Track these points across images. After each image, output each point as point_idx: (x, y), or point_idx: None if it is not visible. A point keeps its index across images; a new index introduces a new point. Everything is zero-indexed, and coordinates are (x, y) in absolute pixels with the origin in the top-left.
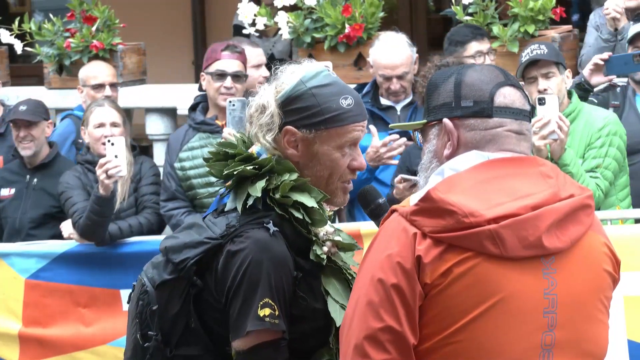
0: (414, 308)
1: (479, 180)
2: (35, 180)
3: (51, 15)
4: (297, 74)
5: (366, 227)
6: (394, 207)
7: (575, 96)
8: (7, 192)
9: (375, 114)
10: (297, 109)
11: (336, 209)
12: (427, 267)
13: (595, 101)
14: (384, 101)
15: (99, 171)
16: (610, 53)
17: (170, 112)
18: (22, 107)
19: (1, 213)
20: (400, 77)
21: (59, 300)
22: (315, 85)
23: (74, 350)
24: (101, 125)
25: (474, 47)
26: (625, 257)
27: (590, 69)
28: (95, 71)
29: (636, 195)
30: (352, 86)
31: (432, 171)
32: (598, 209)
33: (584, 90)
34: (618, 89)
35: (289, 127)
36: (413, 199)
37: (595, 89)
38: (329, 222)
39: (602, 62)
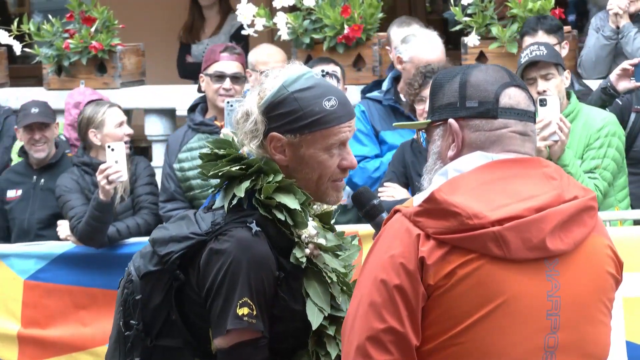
0: (416, 309)
1: (483, 181)
2: (42, 180)
3: (50, 16)
4: (279, 78)
5: (364, 229)
6: (397, 207)
7: (574, 97)
8: (13, 193)
9: (398, 110)
10: (280, 115)
11: (336, 206)
12: (430, 269)
13: (620, 103)
14: (405, 98)
15: (99, 177)
16: None
17: (169, 113)
18: (34, 110)
19: (9, 214)
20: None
21: (58, 301)
22: (297, 89)
23: (73, 351)
24: (121, 124)
25: (526, 41)
26: (624, 258)
27: (617, 74)
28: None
29: None
30: (354, 87)
31: (437, 172)
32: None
33: (609, 96)
34: None
35: (273, 133)
36: (417, 200)
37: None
38: (314, 224)
39: (630, 67)
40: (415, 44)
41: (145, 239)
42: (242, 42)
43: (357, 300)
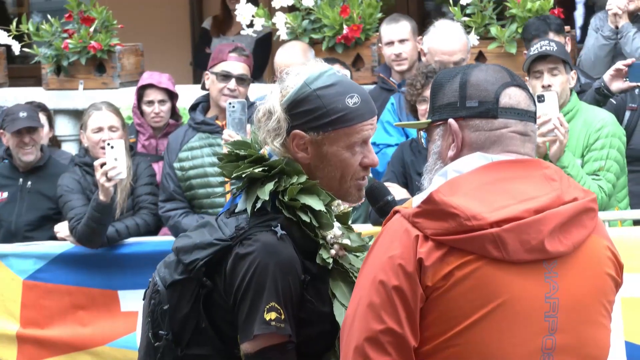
0: (415, 310)
1: (482, 182)
2: (29, 183)
3: (49, 16)
4: (302, 76)
5: (365, 229)
6: (396, 208)
7: (574, 95)
8: None
9: None
10: (303, 112)
11: (354, 205)
12: (428, 270)
13: (614, 102)
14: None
15: (98, 174)
16: (634, 59)
17: None
18: (23, 114)
19: None
20: (456, 64)
21: (56, 301)
22: (320, 87)
23: (72, 351)
24: (99, 129)
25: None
26: (624, 258)
27: (611, 74)
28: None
29: None
30: (366, 86)
31: (436, 172)
32: (603, 209)
33: (603, 96)
34: (637, 91)
35: (296, 131)
36: (416, 201)
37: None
38: (338, 224)
39: (624, 68)
40: (433, 36)
41: (144, 239)
42: (267, 47)
43: (356, 301)
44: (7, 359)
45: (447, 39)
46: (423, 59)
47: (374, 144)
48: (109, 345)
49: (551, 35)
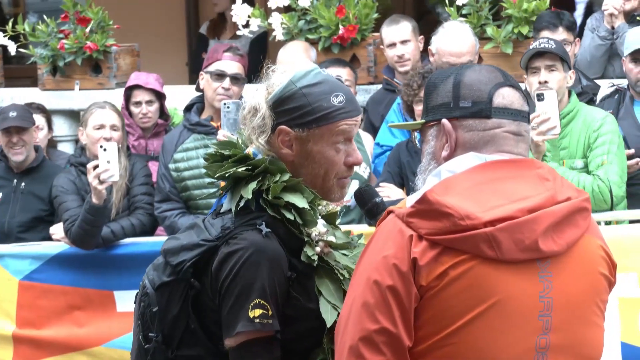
0: (409, 310)
1: (476, 182)
2: (23, 184)
3: (45, 17)
4: (288, 74)
5: (359, 229)
6: (390, 208)
7: (574, 96)
8: None
9: None
10: (288, 110)
11: (343, 205)
12: (422, 270)
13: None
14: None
15: (90, 177)
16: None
17: None
18: (12, 114)
19: None
20: None
21: (52, 301)
22: (306, 85)
23: (68, 352)
24: (101, 127)
25: (544, 35)
26: (620, 258)
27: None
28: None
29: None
30: (362, 86)
31: (430, 173)
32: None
33: None
34: (616, 96)
35: (282, 126)
36: (410, 201)
37: (603, 94)
38: (323, 222)
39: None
40: (441, 36)
41: (140, 239)
42: (263, 47)
43: (350, 301)
44: None
45: (456, 40)
46: (431, 59)
47: (377, 144)
48: (105, 346)
49: (561, 30)
